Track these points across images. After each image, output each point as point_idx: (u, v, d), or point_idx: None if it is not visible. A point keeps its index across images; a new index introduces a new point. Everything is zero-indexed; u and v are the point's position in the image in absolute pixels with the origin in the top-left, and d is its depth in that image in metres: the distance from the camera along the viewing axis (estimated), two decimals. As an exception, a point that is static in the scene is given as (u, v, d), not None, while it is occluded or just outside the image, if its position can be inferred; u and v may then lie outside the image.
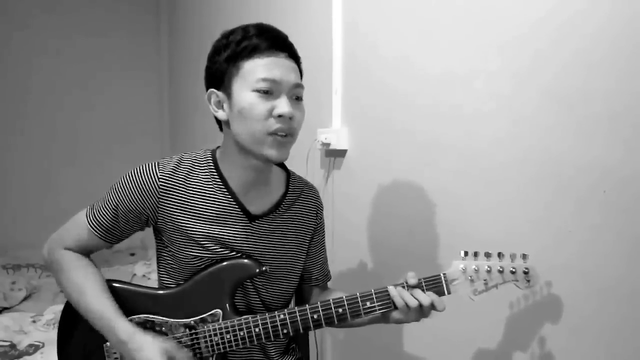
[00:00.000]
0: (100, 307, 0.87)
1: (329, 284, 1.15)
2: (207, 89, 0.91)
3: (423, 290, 0.84)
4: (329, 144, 1.47)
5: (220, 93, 0.88)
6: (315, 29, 1.57)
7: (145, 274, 2.61)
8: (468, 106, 1.06)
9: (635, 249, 0.78)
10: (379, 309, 0.86)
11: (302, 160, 1.57)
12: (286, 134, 0.85)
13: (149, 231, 0.98)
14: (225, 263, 0.91)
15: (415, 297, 0.83)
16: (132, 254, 3.04)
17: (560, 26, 0.87)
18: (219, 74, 0.87)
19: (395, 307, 0.85)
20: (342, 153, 1.48)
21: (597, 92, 0.82)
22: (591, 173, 0.84)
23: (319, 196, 1.08)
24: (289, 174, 1.03)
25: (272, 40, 0.85)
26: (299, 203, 1.01)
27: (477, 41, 1.03)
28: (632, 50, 0.77)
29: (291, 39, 0.90)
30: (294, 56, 0.89)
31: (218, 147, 0.96)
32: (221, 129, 0.94)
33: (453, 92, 1.10)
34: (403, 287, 0.85)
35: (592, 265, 0.84)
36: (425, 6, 1.16)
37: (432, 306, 0.83)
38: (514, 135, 0.96)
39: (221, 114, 0.88)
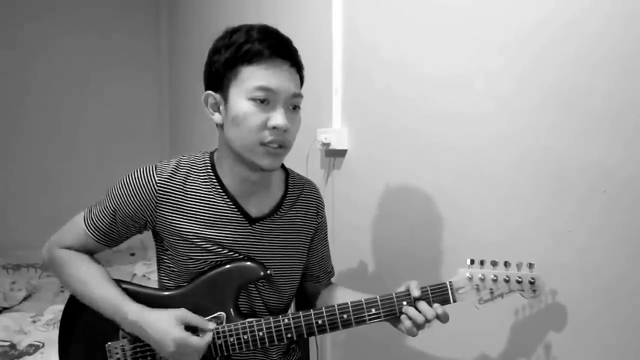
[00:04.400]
0: (105, 294, 0.87)
1: (333, 279, 1.14)
2: (205, 89, 0.89)
3: (429, 302, 0.83)
4: (329, 144, 1.46)
5: (217, 95, 0.86)
6: (315, 29, 1.57)
7: (145, 274, 2.60)
8: (468, 107, 1.06)
9: (635, 249, 0.78)
10: (384, 316, 0.85)
11: (302, 160, 1.57)
12: (279, 145, 0.83)
13: (148, 231, 0.98)
14: (229, 266, 0.91)
15: (421, 312, 0.82)
16: (132, 254, 3.04)
17: (561, 26, 0.87)
18: (217, 76, 0.85)
19: (401, 314, 0.84)
20: (342, 153, 1.48)
21: (598, 92, 0.82)
22: (591, 173, 0.84)
23: (319, 193, 1.06)
24: (287, 173, 1.02)
25: (274, 48, 0.82)
26: (300, 203, 1.00)
27: (478, 42, 1.03)
28: (633, 49, 0.77)
29: (291, 39, 0.89)
30: (295, 64, 0.86)
31: (216, 149, 0.95)
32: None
33: (453, 93, 1.09)
34: (409, 302, 0.84)
35: (593, 265, 0.84)
36: (426, 7, 1.16)
37: (437, 318, 0.82)
38: (515, 135, 0.96)
39: (217, 117, 0.87)
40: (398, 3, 1.24)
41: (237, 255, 0.91)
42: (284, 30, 0.89)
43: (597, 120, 0.82)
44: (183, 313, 0.85)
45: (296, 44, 0.89)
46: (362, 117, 1.40)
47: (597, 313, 0.84)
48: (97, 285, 0.88)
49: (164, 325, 0.82)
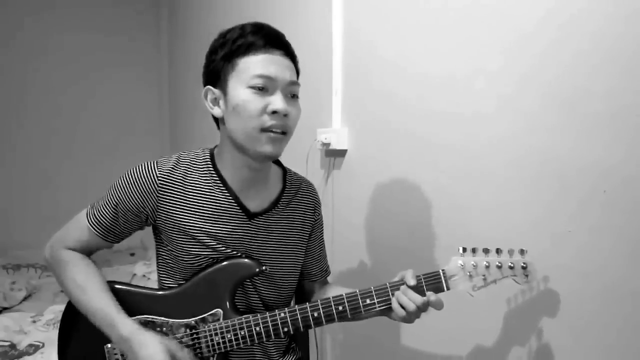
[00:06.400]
0: (102, 305, 0.87)
1: (329, 279, 1.15)
2: (203, 86, 0.91)
3: (423, 289, 0.84)
4: (329, 144, 1.46)
5: (216, 90, 0.88)
6: (315, 30, 1.57)
7: (145, 273, 2.61)
8: (468, 107, 1.06)
9: (635, 250, 0.78)
10: (379, 306, 0.86)
11: (302, 160, 1.57)
12: (281, 130, 0.85)
13: (149, 231, 0.99)
14: (225, 263, 0.91)
15: (411, 300, 0.83)
16: (132, 254, 3.04)
17: (561, 26, 0.87)
18: (215, 72, 0.88)
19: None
20: (342, 153, 1.48)
21: (598, 92, 0.82)
22: (592, 173, 0.84)
23: (316, 192, 1.08)
24: (285, 170, 1.03)
25: (267, 38, 0.85)
26: (297, 199, 1.02)
27: (478, 42, 1.03)
28: (634, 49, 0.77)
29: (291, 39, 0.90)
30: (289, 54, 0.89)
31: (216, 146, 0.97)
32: (218, 127, 0.94)
33: (453, 93, 1.09)
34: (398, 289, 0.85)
35: (593, 265, 0.84)
36: (425, 7, 1.16)
37: (431, 305, 0.83)
38: (515, 135, 0.96)
39: (217, 111, 0.89)
40: (398, 4, 1.24)
41: (235, 252, 0.92)
42: (284, 31, 0.90)
43: (597, 121, 0.82)
44: (173, 345, 0.85)
45: (296, 44, 0.90)
46: (362, 117, 1.40)
47: (597, 313, 0.84)
48: (95, 296, 0.88)
49: (153, 350, 0.81)
